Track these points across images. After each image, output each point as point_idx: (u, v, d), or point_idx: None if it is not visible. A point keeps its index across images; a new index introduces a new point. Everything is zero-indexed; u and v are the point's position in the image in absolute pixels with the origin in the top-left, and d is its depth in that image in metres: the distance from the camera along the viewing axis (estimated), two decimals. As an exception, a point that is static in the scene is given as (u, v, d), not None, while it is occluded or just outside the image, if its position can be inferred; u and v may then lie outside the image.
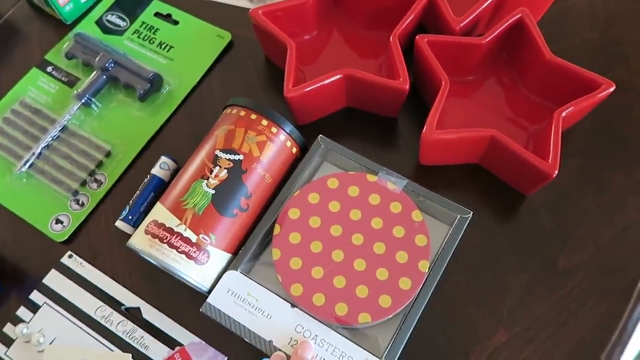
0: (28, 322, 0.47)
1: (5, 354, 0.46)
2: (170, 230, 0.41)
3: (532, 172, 0.44)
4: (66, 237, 0.51)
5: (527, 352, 0.44)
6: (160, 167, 0.52)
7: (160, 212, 0.43)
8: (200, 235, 0.42)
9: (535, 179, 0.45)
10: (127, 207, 0.50)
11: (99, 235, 0.51)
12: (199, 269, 0.42)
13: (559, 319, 0.45)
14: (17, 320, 0.47)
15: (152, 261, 0.44)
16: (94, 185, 0.53)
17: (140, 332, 0.46)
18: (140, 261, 0.49)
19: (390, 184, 0.45)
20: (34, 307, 0.48)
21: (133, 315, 0.47)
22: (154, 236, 0.41)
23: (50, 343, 0.46)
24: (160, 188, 0.51)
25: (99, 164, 0.54)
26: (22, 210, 0.52)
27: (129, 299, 0.48)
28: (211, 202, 0.42)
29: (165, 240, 0.41)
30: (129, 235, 0.50)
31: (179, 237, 0.41)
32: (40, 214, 0.52)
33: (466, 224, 0.44)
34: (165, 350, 0.46)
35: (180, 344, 0.46)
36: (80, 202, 0.52)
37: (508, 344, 0.45)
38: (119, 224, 0.49)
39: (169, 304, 0.48)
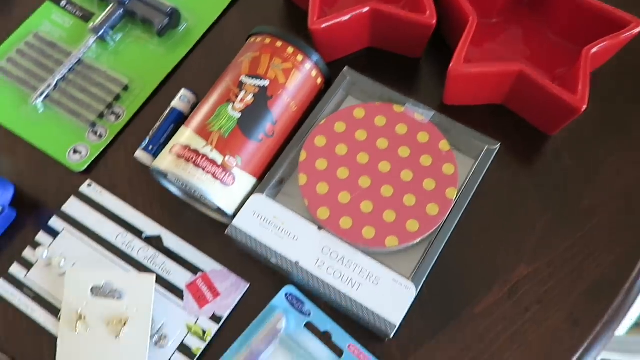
0: (48, 247, 0.46)
1: (25, 277, 0.46)
2: (196, 152, 0.41)
3: (559, 108, 0.44)
4: (84, 167, 0.50)
5: (547, 286, 0.45)
6: (180, 100, 0.51)
7: (185, 135, 0.42)
8: (226, 157, 0.41)
9: (562, 115, 0.45)
10: (147, 138, 0.49)
11: (117, 166, 0.51)
12: (225, 191, 0.41)
13: (580, 256, 0.45)
14: (36, 245, 0.47)
15: (173, 190, 0.44)
16: (112, 117, 0.52)
17: (161, 258, 0.46)
18: (161, 191, 0.49)
19: (417, 114, 0.45)
20: (53, 233, 0.47)
21: (154, 243, 0.47)
22: (180, 157, 0.41)
23: (72, 267, 0.45)
24: (180, 120, 0.51)
25: (117, 97, 0.53)
26: (39, 140, 0.51)
27: (150, 228, 0.47)
28: (237, 125, 0.42)
29: (191, 161, 0.41)
30: (148, 167, 0.50)
31: (205, 158, 0.41)
32: (58, 145, 0.51)
33: (493, 156, 0.43)
34: (187, 276, 0.45)
35: (202, 271, 0.45)
36: (98, 134, 0.52)
37: (530, 277, 0.45)
38: (139, 154, 0.49)
39: (190, 232, 0.47)
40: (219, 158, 0.41)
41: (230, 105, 0.42)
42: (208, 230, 0.47)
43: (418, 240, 0.41)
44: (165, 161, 0.42)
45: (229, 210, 0.42)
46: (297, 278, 0.42)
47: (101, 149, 0.51)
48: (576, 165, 0.48)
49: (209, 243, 0.47)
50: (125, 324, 0.42)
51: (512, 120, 0.50)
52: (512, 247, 0.46)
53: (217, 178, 0.41)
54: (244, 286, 0.45)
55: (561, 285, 0.44)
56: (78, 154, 0.51)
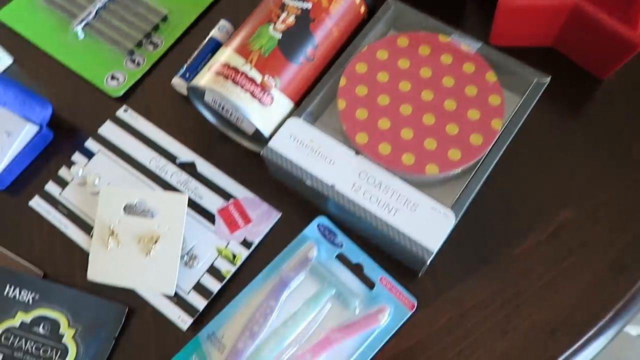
0: (83, 166, 0.46)
1: (59, 194, 0.46)
2: (235, 69, 0.40)
3: (616, 45, 0.42)
4: (122, 93, 0.50)
5: (590, 233, 0.43)
6: (219, 30, 0.50)
7: (225, 54, 0.41)
8: (265, 77, 0.40)
9: (618, 53, 0.42)
10: (185, 66, 0.49)
11: (153, 94, 0.50)
12: (262, 111, 0.40)
13: (626, 205, 0.43)
14: (71, 165, 0.47)
15: (208, 115, 0.43)
16: (150, 47, 0.52)
17: (194, 183, 0.46)
18: (195, 120, 0.48)
19: (464, 45, 0.43)
20: (88, 154, 0.47)
21: (188, 169, 0.46)
22: (219, 74, 0.40)
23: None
24: (217, 50, 0.50)
25: (156, 27, 0.53)
26: (78, 66, 0.51)
27: (184, 154, 0.47)
28: (277, 46, 0.41)
29: (230, 78, 0.40)
30: (183, 95, 0.49)
31: (244, 76, 0.40)
32: (96, 71, 0.51)
33: (542, 91, 0.41)
34: (219, 202, 0.45)
35: (234, 198, 0.45)
36: (136, 62, 0.51)
37: (573, 222, 0.43)
38: (176, 80, 0.48)
39: (223, 161, 0.47)
40: (257, 77, 0.40)
41: (272, 26, 0.41)
42: (241, 159, 0.47)
43: (459, 169, 0.39)
44: (204, 78, 0.41)
45: (266, 131, 0.41)
46: (331, 205, 0.41)
47: (138, 77, 0.51)
48: (630, 112, 0.46)
49: (241, 172, 0.46)
50: (156, 242, 0.42)
51: (561, 63, 0.48)
52: (555, 190, 0.44)
53: (255, 97, 0.40)
54: (276, 215, 0.44)
55: (606, 233, 0.42)
56: (115, 80, 0.51)
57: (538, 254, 0.42)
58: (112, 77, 0.51)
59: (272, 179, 0.46)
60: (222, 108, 0.42)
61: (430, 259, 0.37)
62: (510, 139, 0.40)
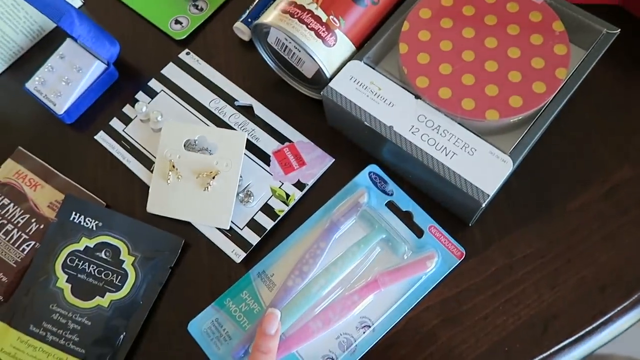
0: (147, 104, 0.48)
1: (123, 130, 0.48)
2: (301, 7, 0.41)
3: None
4: (185, 36, 0.51)
5: (651, 192, 0.42)
6: (282, -22, 0.51)
7: (291, -7, 0.42)
8: (331, 16, 0.41)
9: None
10: (247, 11, 0.50)
11: (215, 38, 0.51)
12: (326, 51, 0.41)
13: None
14: (135, 102, 0.49)
15: (267, 59, 0.44)
16: (213, -6, 0.53)
17: (251, 125, 0.47)
18: (255, 65, 0.49)
19: (530, -6, 0.42)
20: (151, 93, 0.49)
21: (246, 112, 0.47)
22: (285, 12, 0.41)
23: (167, 122, 0.47)
24: (280, -2, 0.50)
25: (219, -25, 0.54)
26: (143, 8, 0.53)
27: (242, 97, 0.48)
28: (344, -14, 0.41)
29: (296, 16, 0.40)
30: (243, 41, 0.50)
31: (309, 15, 0.40)
32: (161, 14, 0.52)
33: (610, 43, 0.40)
34: (274, 144, 0.46)
35: (290, 141, 0.46)
36: (199, 7, 0.52)
37: (632, 180, 0.42)
38: (239, 25, 0.49)
39: (280, 106, 0.47)
40: (323, 16, 0.41)
41: (338, -33, 0.42)
42: (298, 105, 0.47)
43: (520, 116, 0.39)
44: (270, 16, 0.41)
45: (327, 71, 0.41)
46: (385, 151, 0.41)
47: (201, 21, 0.52)
48: (700, 71, 0.44)
49: (297, 117, 0.47)
50: (214, 177, 0.43)
51: (629, 22, 0.47)
52: (615, 147, 0.43)
53: (319, 36, 0.40)
54: (329, 160, 0.45)
55: (667, 194, 0.41)
56: (179, 24, 0.52)
57: (593, 210, 0.41)
58: (176, 22, 0.52)
59: (327, 126, 0.46)
60: (285, 49, 0.43)
61: (486, 203, 0.37)
62: (574, 89, 0.40)
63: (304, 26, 0.40)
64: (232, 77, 0.49)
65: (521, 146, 0.38)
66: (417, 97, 0.40)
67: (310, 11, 0.40)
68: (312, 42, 0.40)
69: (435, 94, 0.40)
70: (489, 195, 0.37)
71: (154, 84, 0.49)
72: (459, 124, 0.39)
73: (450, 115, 0.39)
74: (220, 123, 0.47)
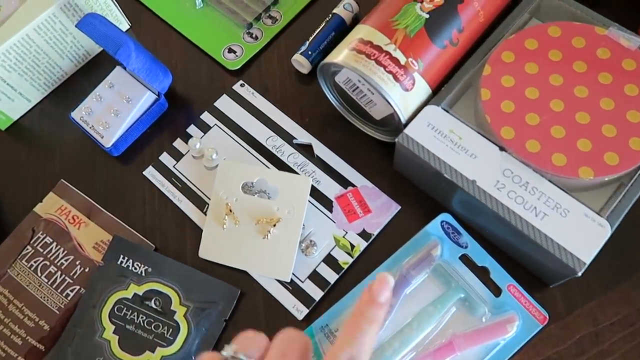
0: (200, 139, 0.45)
1: (173, 166, 0.45)
2: (378, 48, 0.38)
3: None
4: (239, 67, 0.48)
5: None
6: (344, 8, 0.48)
7: (365, 31, 0.39)
8: (409, 59, 0.38)
9: None
10: (307, 43, 0.47)
11: (270, 69, 0.49)
12: (402, 95, 0.38)
13: None
14: (187, 137, 0.46)
15: (330, 97, 0.41)
16: (269, 21, 0.50)
17: (311, 166, 0.44)
18: (313, 100, 0.46)
19: (623, 39, 0.39)
20: (204, 127, 0.46)
21: (305, 151, 0.44)
22: (360, 52, 0.38)
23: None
24: (341, 29, 0.48)
25: (275, 1, 0.51)
26: (196, 36, 0.50)
27: (301, 134, 0.45)
28: (424, 26, 0.38)
29: (373, 57, 0.37)
30: (301, 73, 0.47)
31: (387, 56, 0.37)
32: (214, 42, 0.50)
33: None
34: (336, 188, 0.43)
35: (353, 185, 0.43)
36: (253, 36, 0.50)
37: None
38: (298, 58, 0.46)
39: (341, 145, 0.45)
40: (402, 58, 0.38)
41: (418, 5, 0.39)
42: (359, 145, 0.44)
43: (616, 175, 0.36)
44: (342, 55, 0.39)
45: (404, 116, 0.38)
46: (456, 202, 0.38)
47: (256, 51, 0.49)
48: None
49: (359, 159, 0.44)
50: (275, 225, 0.40)
51: None
52: None
53: (398, 80, 0.37)
54: (395, 208, 0.42)
55: None
56: (233, 53, 0.49)
57: (689, 276, 0.38)
58: (230, 50, 0.49)
59: (391, 169, 0.43)
60: (355, 89, 0.40)
61: (583, 270, 0.34)
62: (674, 146, 0.36)
63: (382, 69, 0.37)
64: (290, 112, 0.46)
65: (619, 209, 0.35)
66: (501, 149, 0.37)
67: (387, 53, 0.37)
68: (390, 86, 0.37)
69: (523, 147, 0.37)
70: (585, 264, 0.34)
71: (206, 117, 0.46)
72: (549, 180, 0.36)
73: (539, 170, 0.36)
74: (279, 163, 0.44)
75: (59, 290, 0.41)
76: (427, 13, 0.38)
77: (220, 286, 0.40)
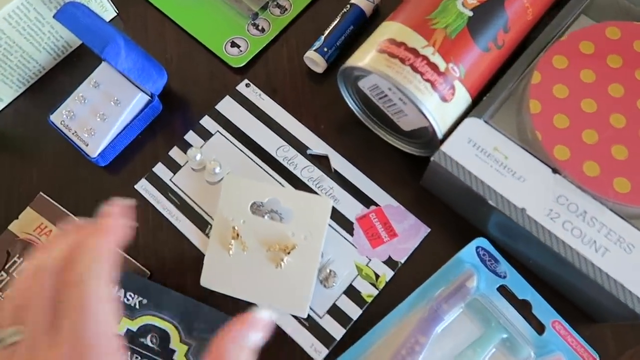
0: (200, 148, 0.39)
1: (170, 180, 0.39)
2: (414, 52, 0.32)
3: None
4: (243, 64, 0.42)
5: None
6: (364, -2, 0.42)
7: (396, 30, 0.33)
8: (450, 64, 0.32)
9: None
10: (322, 38, 0.41)
11: (280, 67, 0.43)
12: (440, 106, 0.33)
13: None
14: (184, 146, 0.40)
15: (350, 103, 0.35)
16: (277, 10, 0.44)
17: (329, 182, 0.38)
18: (329, 102, 0.41)
19: (691, 44, 0.34)
20: (205, 134, 0.40)
21: (320, 163, 0.39)
22: (393, 55, 0.32)
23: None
24: (360, 22, 0.42)
25: (283, -12, 0.45)
26: (193, 27, 0.44)
27: (315, 144, 0.39)
28: (466, 26, 0.33)
29: (408, 62, 0.32)
30: (315, 73, 0.41)
31: (425, 62, 0.32)
32: (214, 34, 0.43)
33: None
34: (357, 207, 0.38)
35: (376, 204, 0.37)
36: (259, 27, 0.43)
37: None
38: (312, 54, 0.41)
39: (361, 158, 0.39)
40: (441, 64, 0.32)
41: (460, 1, 0.33)
42: (381, 155, 0.39)
43: (689, 205, 0.31)
44: (370, 58, 0.33)
45: (441, 131, 0.33)
46: (492, 226, 0.33)
47: (262, 45, 0.43)
48: None
49: (381, 171, 0.39)
50: (289, 252, 0.35)
51: None
52: None
53: (436, 89, 0.32)
54: (424, 230, 0.37)
55: None
56: (236, 47, 0.43)
57: None
58: (232, 44, 0.43)
59: (417, 185, 0.38)
60: (382, 97, 0.35)
61: (650, 316, 0.29)
62: None
63: (418, 76, 0.32)
64: (301, 118, 0.41)
65: (690, 244, 0.30)
66: (554, 171, 0.32)
67: (425, 57, 0.32)
68: (427, 96, 0.32)
69: (579, 170, 0.32)
70: (653, 309, 0.29)
71: (207, 122, 0.40)
72: (610, 209, 0.31)
73: (598, 198, 0.31)
74: (291, 177, 0.38)
75: (38, 326, 0.35)
76: (471, 10, 0.33)
77: (226, 321, 0.35)
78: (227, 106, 0.41)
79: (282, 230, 0.36)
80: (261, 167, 0.39)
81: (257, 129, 0.40)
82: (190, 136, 0.40)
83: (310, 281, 0.35)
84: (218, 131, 0.40)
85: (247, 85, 0.42)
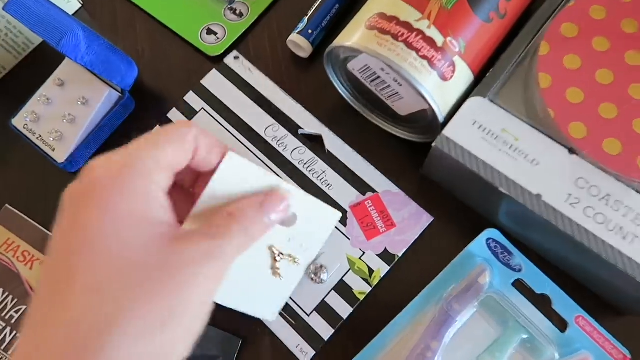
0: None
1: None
2: (407, 26, 0.29)
3: None
4: (221, 52, 0.39)
5: None
6: (350, -27, 0.38)
7: (386, 3, 0.30)
8: (448, 38, 0.29)
9: None
10: (306, 19, 0.37)
11: (261, 54, 0.39)
12: (440, 86, 0.29)
13: None
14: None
15: (340, 88, 0.32)
16: (255, -8, 0.40)
17: (321, 164, 0.35)
18: (316, 89, 0.37)
19: None
20: (189, 111, 0.37)
21: (312, 144, 0.35)
22: (384, 32, 0.29)
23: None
24: (347, 1, 0.38)
25: (262, -33, 0.41)
26: (166, 16, 0.40)
27: (309, 124, 0.36)
28: (464, -6, 0.29)
29: (401, 38, 0.28)
30: (300, 58, 0.38)
31: (420, 37, 0.28)
32: (189, 22, 0.40)
33: None
34: (353, 194, 0.34)
35: (373, 190, 0.34)
36: (237, 12, 0.40)
37: None
38: (295, 38, 0.37)
39: (357, 140, 0.36)
40: (438, 38, 0.29)
41: (455, -35, 0.30)
42: (379, 147, 0.36)
43: None
44: (359, 36, 0.29)
45: (442, 114, 0.30)
46: (503, 214, 0.30)
47: (241, 31, 0.40)
48: None
49: (381, 158, 0.36)
50: (281, 259, 0.31)
51: None
52: None
53: (434, 67, 0.29)
54: (427, 219, 0.34)
55: None
56: (213, 34, 0.39)
57: None
58: (209, 31, 0.39)
59: (416, 170, 0.35)
60: (375, 79, 0.31)
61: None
62: None
63: (414, 53, 0.28)
64: (295, 94, 0.37)
65: None
66: (571, 151, 0.29)
67: (419, 31, 0.28)
68: (425, 75, 0.28)
69: (599, 148, 0.29)
70: (690, 300, 0.26)
71: (191, 98, 0.38)
72: (636, 191, 0.28)
73: (622, 179, 0.28)
74: (280, 160, 0.35)
75: (9, 353, 0.32)
76: (468, -24, 0.29)
77: (217, 336, 0.32)
78: (214, 81, 0.38)
79: (279, 232, 0.32)
80: (249, 149, 0.35)
81: (245, 106, 0.37)
82: (174, 114, 0.37)
83: (289, 290, 0.31)
84: (203, 108, 0.37)
85: (236, 58, 0.38)
